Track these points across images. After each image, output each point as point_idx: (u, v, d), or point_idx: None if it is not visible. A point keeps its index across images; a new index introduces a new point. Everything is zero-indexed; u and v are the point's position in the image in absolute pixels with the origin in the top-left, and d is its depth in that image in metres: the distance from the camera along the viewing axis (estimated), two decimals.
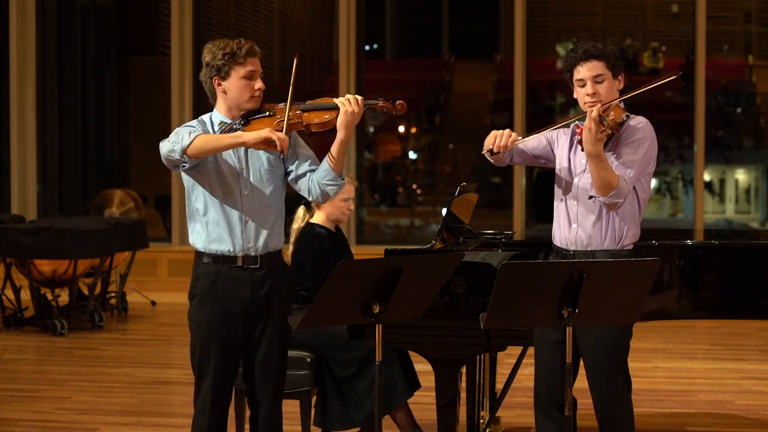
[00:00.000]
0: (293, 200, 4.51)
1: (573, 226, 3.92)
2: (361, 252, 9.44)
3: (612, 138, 3.88)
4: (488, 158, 3.92)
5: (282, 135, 3.57)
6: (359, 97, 3.73)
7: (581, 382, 4.05)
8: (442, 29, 15.14)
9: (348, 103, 3.69)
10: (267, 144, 3.58)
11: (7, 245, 8.31)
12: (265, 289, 3.76)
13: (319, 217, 4.97)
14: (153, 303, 9.88)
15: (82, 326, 8.58)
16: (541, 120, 12.73)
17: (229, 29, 12.77)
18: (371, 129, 14.53)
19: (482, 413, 4.99)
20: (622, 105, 3.92)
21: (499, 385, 5.26)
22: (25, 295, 8.75)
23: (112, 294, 9.35)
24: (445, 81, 15.48)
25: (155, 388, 6.55)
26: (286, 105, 3.71)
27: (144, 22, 12.73)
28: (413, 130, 15.17)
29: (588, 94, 3.85)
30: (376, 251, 9.41)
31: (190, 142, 3.58)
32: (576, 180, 3.93)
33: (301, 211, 5.02)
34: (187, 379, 6.71)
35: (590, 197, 3.87)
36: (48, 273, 8.44)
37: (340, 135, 3.70)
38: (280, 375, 3.86)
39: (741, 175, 16.20)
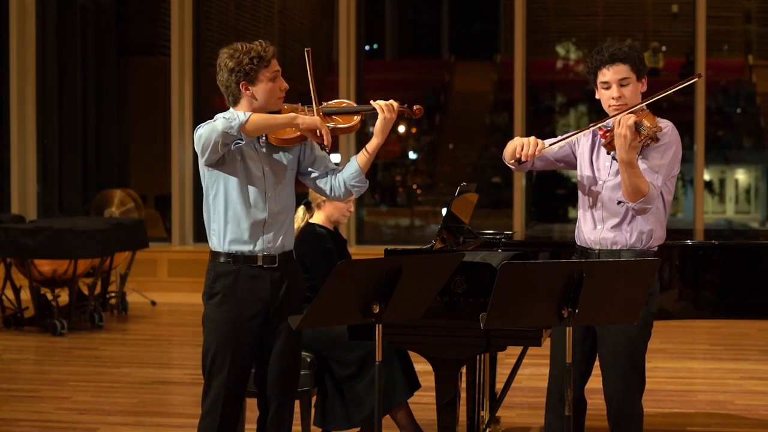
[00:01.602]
0: None
1: (598, 227, 3.92)
2: (361, 252, 9.44)
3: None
4: (511, 166, 3.94)
5: (328, 128, 3.71)
6: (395, 103, 3.84)
7: (594, 383, 4.05)
8: (442, 29, 15.12)
9: (388, 110, 3.81)
10: (314, 133, 3.72)
11: (7, 245, 8.32)
12: (284, 288, 3.81)
13: (318, 218, 4.97)
14: (153, 303, 9.88)
15: (82, 326, 8.58)
16: (541, 120, 12.73)
17: (229, 29, 12.77)
18: (371, 129, 14.50)
19: (482, 413, 4.98)
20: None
21: (499, 385, 5.26)
22: (25, 295, 8.75)
23: (112, 294, 9.35)
24: (445, 81, 15.46)
25: (155, 388, 6.55)
26: (309, 107, 3.81)
27: (144, 22, 12.72)
28: (413, 130, 15.16)
29: (613, 98, 3.85)
30: (376, 251, 9.40)
31: (247, 119, 3.63)
32: (600, 183, 3.92)
33: (300, 211, 5.01)
34: (188, 379, 6.71)
35: (619, 202, 3.86)
36: (48, 273, 8.44)
37: (377, 140, 3.84)
38: (293, 374, 3.89)
39: (741, 175, 16.19)
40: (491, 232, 5.23)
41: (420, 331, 4.20)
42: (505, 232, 5.25)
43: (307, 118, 3.71)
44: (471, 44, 15.30)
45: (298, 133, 3.77)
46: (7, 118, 11.05)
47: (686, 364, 7.29)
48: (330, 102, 3.90)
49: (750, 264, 4.47)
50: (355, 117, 3.85)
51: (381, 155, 15.13)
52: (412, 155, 15.15)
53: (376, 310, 3.40)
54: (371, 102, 3.84)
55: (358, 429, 4.86)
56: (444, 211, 4.71)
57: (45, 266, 8.39)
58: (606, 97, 3.88)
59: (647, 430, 5.39)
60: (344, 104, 3.89)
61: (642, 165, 3.80)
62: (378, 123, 3.82)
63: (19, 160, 11.07)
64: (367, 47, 12.03)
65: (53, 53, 11.49)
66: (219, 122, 3.65)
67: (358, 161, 3.87)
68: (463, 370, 4.43)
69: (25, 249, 8.27)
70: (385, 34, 14.98)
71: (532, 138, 3.87)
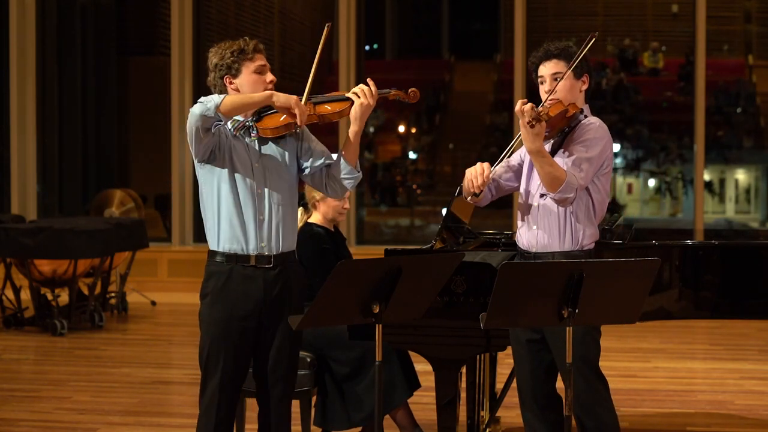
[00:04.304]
0: None
1: (533, 227, 3.94)
2: (361, 252, 9.43)
3: (565, 135, 3.88)
4: (473, 203, 3.94)
5: (303, 108, 3.62)
6: (373, 88, 3.73)
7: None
8: (442, 29, 15.14)
9: (362, 95, 3.71)
10: (288, 113, 3.63)
11: (7, 245, 8.31)
12: (278, 289, 3.74)
13: (316, 218, 4.98)
14: (153, 303, 9.88)
15: (82, 326, 8.58)
16: None
17: (229, 29, 12.77)
18: (371, 129, 14.53)
19: (482, 413, 4.99)
20: (581, 104, 3.91)
21: (499, 385, 5.26)
22: (25, 295, 8.75)
23: (112, 294, 9.35)
24: (445, 81, 15.47)
25: (155, 388, 6.55)
26: (299, 98, 3.72)
27: (144, 22, 12.73)
28: (413, 130, 15.17)
29: (545, 92, 3.88)
30: (376, 251, 9.40)
31: (222, 99, 3.61)
32: (536, 184, 3.94)
33: (299, 212, 5.02)
34: (188, 379, 6.71)
35: (542, 195, 3.89)
36: (48, 273, 8.44)
37: (353, 127, 3.73)
38: (291, 376, 3.85)
39: (741, 175, 16.21)
40: (491, 232, 5.23)
41: (420, 331, 4.21)
42: (505, 232, 5.25)
43: (282, 96, 3.63)
44: (471, 44, 15.32)
45: (283, 120, 3.70)
46: (7, 118, 11.05)
47: (686, 364, 7.29)
48: (320, 95, 3.83)
49: (750, 264, 4.47)
50: (344, 103, 3.76)
51: (381, 155, 15.16)
52: (412, 155, 15.16)
53: (376, 310, 3.40)
54: (347, 93, 3.77)
55: (358, 429, 4.86)
56: (444, 211, 4.71)
57: (45, 266, 8.39)
58: (541, 91, 3.92)
59: (647, 430, 5.40)
60: (334, 94, 3.83)
61: (566, 158, 3.82)
62: (353, 109, 3.71)
63: (19, 160, 11.07)
64: (367, 47, 12.04)
65: (53, 53, 11.49)
66: (196, 107, 3.64)
67: (343, 152, 3.77)
68: (463, 370, 4.43)
69: (25, 249, 8.26)
70: (385, 34, 15.00)
71: (478, 165, 3.86)
